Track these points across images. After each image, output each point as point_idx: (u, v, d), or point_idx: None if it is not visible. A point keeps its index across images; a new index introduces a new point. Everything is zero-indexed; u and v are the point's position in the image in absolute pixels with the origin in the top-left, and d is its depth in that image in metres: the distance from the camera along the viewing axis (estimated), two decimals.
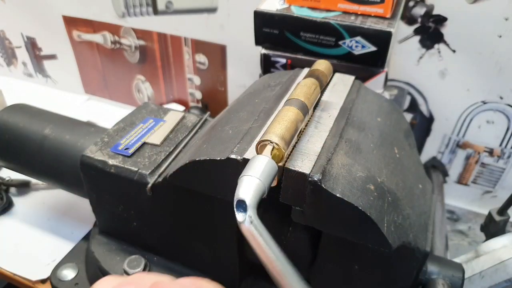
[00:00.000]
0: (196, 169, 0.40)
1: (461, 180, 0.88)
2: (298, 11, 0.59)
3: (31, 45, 1.12)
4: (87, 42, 1.05)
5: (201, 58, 0.95)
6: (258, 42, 0.63)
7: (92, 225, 0.62)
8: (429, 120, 0.83)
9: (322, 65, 0.43)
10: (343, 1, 0.58)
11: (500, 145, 0.80)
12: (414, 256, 0.38)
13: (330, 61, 0.57)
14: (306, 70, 0.52)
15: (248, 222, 0.26)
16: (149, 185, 0.46)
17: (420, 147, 0.86)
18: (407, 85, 0.80)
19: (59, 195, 0.77)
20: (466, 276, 0.48)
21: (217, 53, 0.92)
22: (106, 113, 1.09)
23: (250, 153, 0.36)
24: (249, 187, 0.27)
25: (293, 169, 0.35)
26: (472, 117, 0.79)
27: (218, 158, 0.37)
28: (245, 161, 0.36)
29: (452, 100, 0.78)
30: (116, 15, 0.96)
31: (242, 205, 0.26)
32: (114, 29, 0.99)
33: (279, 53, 0.62)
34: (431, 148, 0.86)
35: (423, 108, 0.82)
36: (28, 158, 0.58)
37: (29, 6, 1.04)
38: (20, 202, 0.76)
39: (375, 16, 0.58)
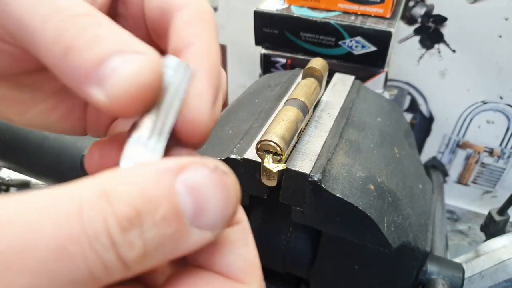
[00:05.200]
0: None
1: (461, 180, 0.88)
2: (298, 11, 0.59)
3: None
4: None
5: None
6: (258, 42, 0.63)
7: None
8: (429, 120, 0.83)
9: (317, 62, 0.43)
10: (343, 1, 0.58)
11: (500, 145, 0.80)
12: (414, 256, 0.38)
13: (330, 61, 0.57)
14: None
15: None
16: None
17: (420, 147, 0.86)
18: (407, 85, 0.80)
19: None
20: (466, 276, 0.48)
21: None
22: None
23: (250, 153, 0.36)
24: None
25: (293, 169, 0.35)
26: (472, 117, 0.79)
27: (218, 158, 0.37)
28: (245, 161, 0.36)
29: (452, 100, 0.78)
30: None
31: None
32: None
33: (279, 53, 0.62)
34: (431, 148, 0.86)
35: (423, 108, 0.82)
36: (28, 158, 0.58)
37: None
38: None
39: (375, 16, 0.58)
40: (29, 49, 0.17)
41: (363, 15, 0.58)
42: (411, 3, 0.72)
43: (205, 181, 0.14)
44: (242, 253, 0.16)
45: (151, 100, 0.16)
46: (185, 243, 0.14)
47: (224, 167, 0.15)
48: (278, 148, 0.33)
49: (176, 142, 0.18)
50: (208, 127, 0.17)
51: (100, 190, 0.13)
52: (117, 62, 0.15)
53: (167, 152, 0.17)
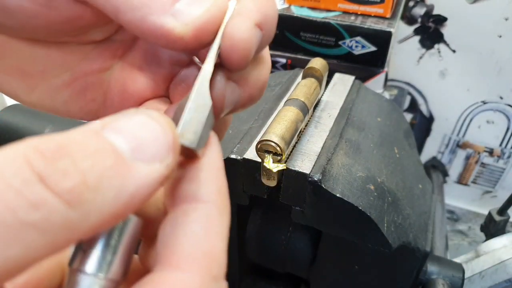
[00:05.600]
0: None
1: (461, 180, 0.88)
2: (298, 11, 0.59)
3: None
4: None
5: None
6: None
7: None
8: (429, 120, 0.83)
9: (317, 62, 0.43)
10: (343, 1, 0.58)
11: (500, 145, 0.80)
12: (414, 256, 0.38)
13: (330, 61, 0.57)
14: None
15: None
16: None
17: (420, 147, 0.86)
18: (407, 85, 0.80)
19: None
20: (466, 276, 0.48)
21: None
22: None
23: (250, 153, 0.36)
24: None
25: (293, 169, 0.35)
26: (472, 117, 0.79)
27: None
28: (245, 161, 0.36)
29: (452, 100, 0.78)
30: None
31: None
32: None
33: (279, 53, 0.62)
34: (431, 148, 0.86)
35: (423, 108, 0.82)
36: None
37: None
38: None
39: (375, 16, 0.58)
40: None
41: (363, 15, 0.58)
42: (411, 3, 0.72)
43: (132, 122, 0.14)
44: (198, 237, 0.15)
45: (213, 33, 0.18)
46: (133, 178, 0.13)
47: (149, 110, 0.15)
48: (278, 148, 0.33)
49: (224, 66, 0.19)
50: (245, 44, 0.18)
51: (20, 143, 0.12)
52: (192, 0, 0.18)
53: (213, 77, 0.18)
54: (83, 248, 0.15)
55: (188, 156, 0.17)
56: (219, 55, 0.18)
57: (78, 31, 0.21)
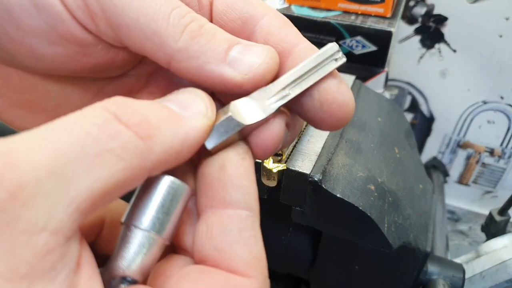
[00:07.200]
0: None
1: (461, 180, 0.88)
2: (299, 11, 0.59)
3: None
4: None
5: None
6: None
7: None
8: (430, 120, 0.83)
9: None
10: (344, 1, 0.58)
11: (501, 145, 0.80)
12: (414, 256, 0.38)
13: None
14: None
15: None
16: None
17: (420, 147, 0.86)
18: (408, 85, 0.80)
19: None
20: (466, 276, 0.48)
21: None
22: None
23: None
24: None
25: (294, 169, 0.34)
26: (472, 117, 0.79)
27: None
28: None
29: (452, 100, 0.78)
30: None
31: None
32: None
33: None
34: (432, 148, 0.86)
35: (423, 108, 0.82)
36: None
37: None
38: None
39: (376, 16, 0.57)
40: (138, 42, 0.19)
41: (363, 14, 0.58)
42: (411, 3, 0.72)
43: (179, 94, 0.19)
44: (249, 244, 0.17)
45: (272, 78, 0.19)
46: (184, 124, 0.17)
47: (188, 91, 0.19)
48: None
49: (299, 112, 0.20)
50: (353, 111, 0.20)
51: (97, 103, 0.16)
52: (243, 49, 0.19)
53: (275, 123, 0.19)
54: (139, 206, 0.17)
55: (203, 153, 0.19)
56: (304, 105, 0.19)
57: (99, 70, 0.22)
